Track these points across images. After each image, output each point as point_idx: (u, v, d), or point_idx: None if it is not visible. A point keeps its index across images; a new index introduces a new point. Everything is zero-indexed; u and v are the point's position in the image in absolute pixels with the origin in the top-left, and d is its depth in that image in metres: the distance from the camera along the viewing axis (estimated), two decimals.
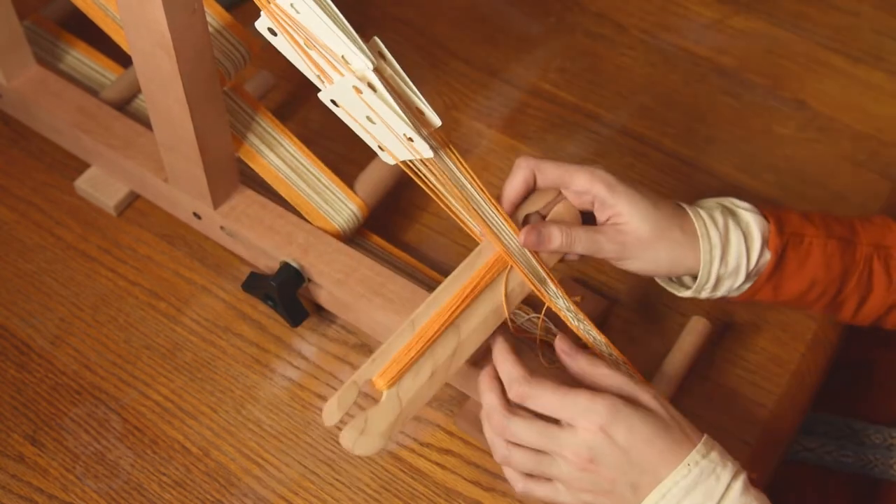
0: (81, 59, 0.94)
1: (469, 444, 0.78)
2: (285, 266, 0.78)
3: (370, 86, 0.61)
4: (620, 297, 0.85)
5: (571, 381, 0.66)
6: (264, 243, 0.79)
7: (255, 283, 0.79)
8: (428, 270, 0.84)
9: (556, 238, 0.69)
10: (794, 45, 1.04)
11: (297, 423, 0.78)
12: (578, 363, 0.67)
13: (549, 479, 0.66)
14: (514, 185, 0.71)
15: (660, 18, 1.07)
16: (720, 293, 0.74)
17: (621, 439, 0.62)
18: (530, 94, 1.00)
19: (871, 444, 0.92)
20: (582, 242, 0.69)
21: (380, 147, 0.67)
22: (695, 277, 0.72)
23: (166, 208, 0.87)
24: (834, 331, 0.84)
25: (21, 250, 0.87)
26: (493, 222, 0.69)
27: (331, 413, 0.64)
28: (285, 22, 0.60)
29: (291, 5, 0.59)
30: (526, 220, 0.71)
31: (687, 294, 0.74)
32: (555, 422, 0.64)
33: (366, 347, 0.82)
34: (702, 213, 0.72)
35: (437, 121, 0.65)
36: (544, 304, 0.71)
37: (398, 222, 0.89)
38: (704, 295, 0.74)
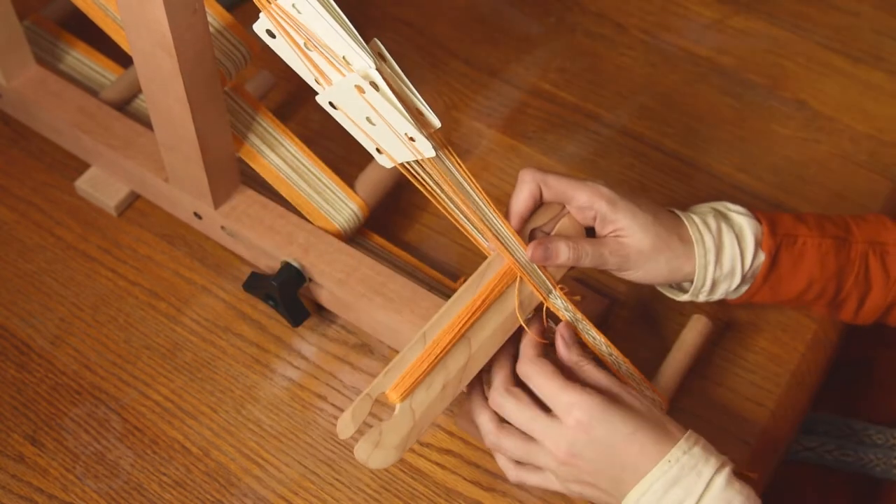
0: (81, 59, 0.94)
1: (469, 444, 0.78)
2: (286, 266, 0.78)
3: (373, 84, 0.61)
4: (620, 296, 0.85)
5: (567, 372, 0.68)
6: (265, 243, 0.79)
7: (257, 283, 0.79)
8: (428, 270, 0.84)
9: (564, 252, 0.70)
10: (794, 45, 1.04)
11: (297, 423, 0.78)
12: (570, 355, 0.68)
13: (539, 468, 0.68)
14: (521, 200, 0.71)
15: (660, 18, 1.07)
16: (717, 296, 0.75)
17: (602, 436, 0.63)
18: (530, 94, 1.00)
19: (871, 443, 0.92)
20: (589, 256, 0.71)
21: (377, 150, 0.67)
22: (692, 282, 0.73)
23: (167, 208, 0.87)
24: (834, 330, 0.84)
25: (21, 250, 0.87)
26: (499, 232, 0.69)
27: (345, 426, 0.64)
28: (286, 22, 0.60)
29: (293, 5, 0.59)
30: (532, 235, 0.72)
31: (685, 298, 0.75)
32: (548, 410, 0.66)
33: (366, 347, 0.82)
34: (695, 218, 0.73)
35: (436, 122, 0.65)
36: (544, 304, 0.71)
37: (398, 222, 0.89)
38: (702, 298, 0.75)
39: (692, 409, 0.79)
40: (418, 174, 0.67)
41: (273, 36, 0.62)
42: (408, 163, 0.67)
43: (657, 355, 0.79)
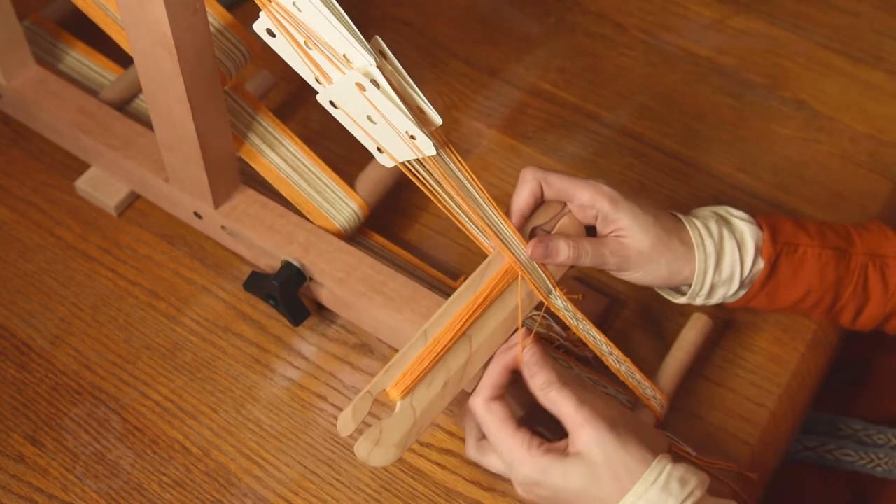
0: (81, 59, 0.94)
1: None
2: (287, 265, 0.78)
3: (373, 82, 0.61)
4: (620, 296, 0.85)
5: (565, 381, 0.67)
6: (265, 242, 0.79)
7: (257, 283, 0.79)
8: (429, 269, 0.84)
9: (564, 251, 0.70)
10: (794, 45, 1.04)
11: (297, 423, 0.78)
12: (535, 381, 0.66)
13: None
14: (522, 198, 0.71)
15: (660, 18, 1.07)
16: (714, 300, 0.75)
17: (547, 494, 0.65)
18: (530, 94, 1.00)
19: (871, 443, 0.92)
20: (589, 255, 0.70)
21: (378, 149, 0.67)
22: (690, 285, 0.73)
23: (167, 208, 0.87)
24: (834, 331, 0.84)
25: (21, 250, 0.87)
26: (500, 231, 0.69)
27: (345, 424, 0.64)
28: (286, 21, 0.60)
29: (294, 4, 0.59)
30: (533, 233, 0.72)
31: (682, 300, 0.75)
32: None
33: (366, 347, 0.82)
34: (697, 222, 0.73)
35: (437, 119, 0.65)
36: (544, 304, 0.71)
37: (398, 222, 0.89)
38: (699, 301, 0.75)
39: (692, 409, 0.79)
40: (419, 173, 0.67)
41: (273, 35, 0.62)
42: (409, 161, 0.67)
43: (657, 354, 0.79)
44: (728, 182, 0.93)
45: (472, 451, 0.70)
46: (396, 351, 0.81)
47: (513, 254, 0.69)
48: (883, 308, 0.76)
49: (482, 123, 0.97)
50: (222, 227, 0.82)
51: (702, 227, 0.72)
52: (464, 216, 0.69)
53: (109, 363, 0.81)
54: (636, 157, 0.95)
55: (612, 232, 0.71)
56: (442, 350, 0.66)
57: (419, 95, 0.64)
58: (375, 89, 0.61)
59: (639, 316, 0.84)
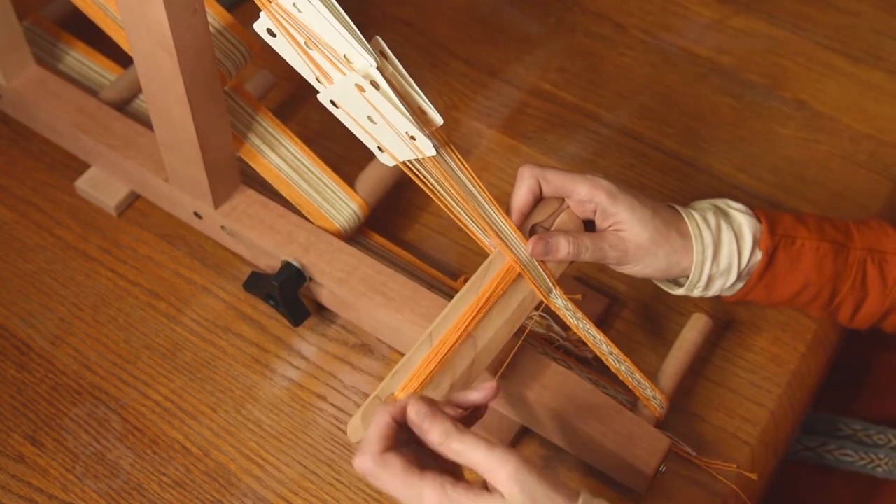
0: (81, 59, 0.94)
1: None
2: (287, 265, 0.78)
3: (373, 83, 0.61)
4: (620, 295, 0.85)
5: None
6: (265, 243, 0.79)
7: (257, 283, 0.79)
8: (428, 269, 0.84)
9: (564, 247, 0.70)
10: (794, 45, 1.04)
11: (297, 423, 0.78)
12: (431, 437, 0.57)
13: None
14: (521, 195, 0.71)
15: (660, 18, 1.07)
16: (712, 292, 0.75)
17: None
18: (530, 94, 1.00)
19: (871, 443, 0.92)
20: (588, 250, 0.70)
21: (379, 148, 0.67)
22: (689, 276, 0.73)
23: (167, 208, 0.87)
24: (834, 331, 0.84)
25: (21, 250, 0.87)
26: (501, 230, 0.69)
27: (355, 429, 0.64)
28: (286, 21, 0.60)
29: (294, 4, 0.59)
30: (532, 231, 0.72)
31: (679, 292, 0.75)
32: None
33: (366, 347, 0.82)
34: (695, 214, 0.73)
35: (438, 119, 0.65)
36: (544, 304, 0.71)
37: (398, 222, 0.89)
38: (697, 293, 0.75)
39: (692, 409, 0.79)
40: (420, 172, 0.67)
41: (273, 35, 0.62)
42: (409, 161, 0.67)
43: (657, 354, 0.79)
44: (728, 182, 0.93)
45: (367, 463, 0.57)
46: (396, 351, 0.81)
47: (513, 253, 0.69)
48: (881, 304, 0.75)
49: (482, 123, 0.97)
50: (222, 228, 0.82)
51: (699, 219, 0.72)
52: (464, 215, 0.69)
53: (109, 363, 0.81)
54: (636, 157, 0.95)
55: (610, 226, 0.71)
56: (447, 352, 0.66)
57: (420, 96, 0.64)
58: (375, 91, 0.61)
59: (639, 316, 0.84)
